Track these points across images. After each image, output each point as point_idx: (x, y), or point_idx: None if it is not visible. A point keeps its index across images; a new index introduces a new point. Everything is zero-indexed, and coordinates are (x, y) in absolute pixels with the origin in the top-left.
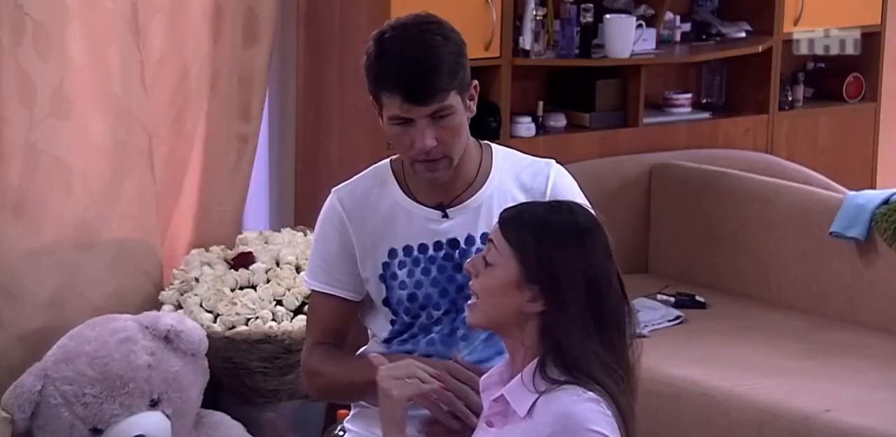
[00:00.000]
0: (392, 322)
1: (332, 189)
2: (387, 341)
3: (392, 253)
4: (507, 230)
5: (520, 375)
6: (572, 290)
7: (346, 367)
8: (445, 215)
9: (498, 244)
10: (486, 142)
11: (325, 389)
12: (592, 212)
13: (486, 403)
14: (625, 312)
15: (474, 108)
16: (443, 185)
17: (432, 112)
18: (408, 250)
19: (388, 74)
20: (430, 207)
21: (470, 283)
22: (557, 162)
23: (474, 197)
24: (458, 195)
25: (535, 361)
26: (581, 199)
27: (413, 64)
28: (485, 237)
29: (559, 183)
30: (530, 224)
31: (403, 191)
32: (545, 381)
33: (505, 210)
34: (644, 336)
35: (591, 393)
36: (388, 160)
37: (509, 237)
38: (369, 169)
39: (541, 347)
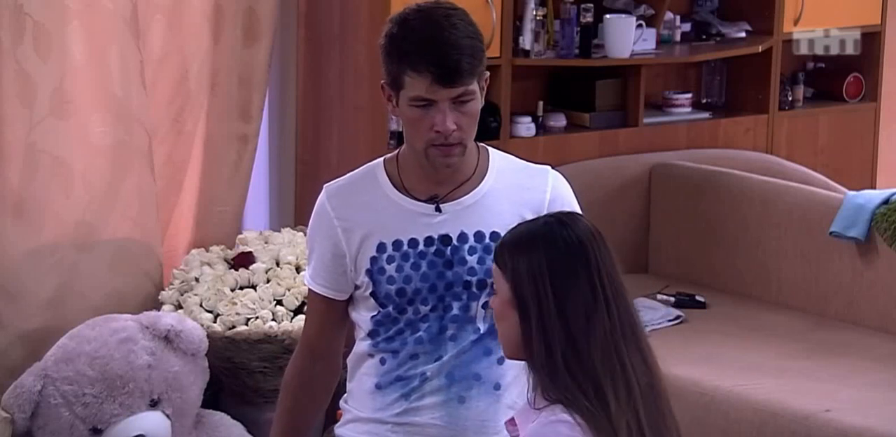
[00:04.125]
0: (376, 313)
1: (324, 185)
2: (372, 335)
3: (381, 247)
4: (497, 254)
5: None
6: (533, 307)
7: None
8: (438, 209)
9: (495, 268)
10: (482, 144)
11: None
12: (590, 224)
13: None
14: (607, 326)
15: (483, 99)
16: (440, 179)
17: (456, 96)
18: (397, 244)
19: (418, 54)
20: (422, 201)
21: None
22: (555, 168)
23: (470, 194)
24: (453, 190)
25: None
26: (576, 205)
27: (444, 45)
28: (479, 236)
29: (559, 188)
30: (510, 245)
31: (395, 186)
32: (544, 400)
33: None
34: None
35: (564, 415)
36: (380, 159)
37: (498, 261)
38: (361, 167)
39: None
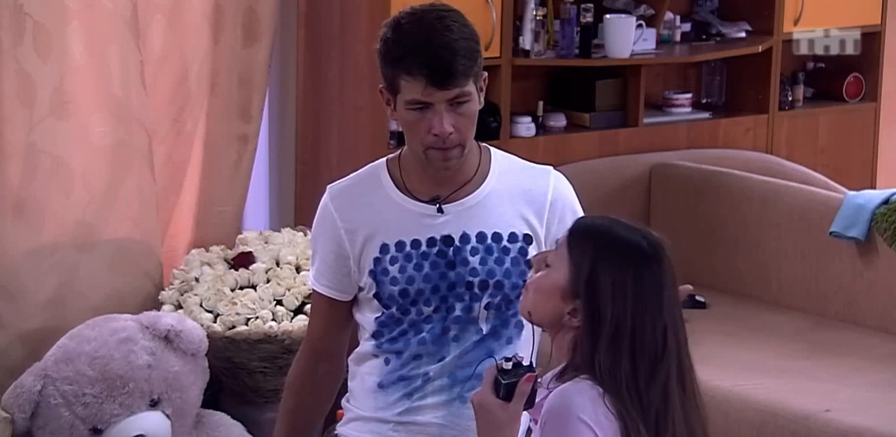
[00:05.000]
0: (380, 314)
1: (328, 186)
2: (375, 336)
3: (384, 248)
4: (574, 237)
5: (540, 379)
6: (609, 323)
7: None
8: (440, 210)
9: (561, 248)
10: (484, 144)
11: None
12: (663, 243)
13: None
14: (668, 362)
15: (482, 100)
16: (442, 180)
17: (452, 97)
18: (400, 245)
19: (411, 57)
20: (424, 202)
21: (529, 274)
22: (555, 168)
23: (472, 195)
24: (455, 191)
25: (560, 368)
26: (578, 206)
27: (438, 47)
28: (481, 236)
29: (559, 188)
30: (596, 239)
31: (398, 187)
32: (560, 382)
33: (585, 217)
34: None
35: (600, 388)
36: (383, 159)
37: (572, 244)
38: (365, 167)
39: (569, 360)
